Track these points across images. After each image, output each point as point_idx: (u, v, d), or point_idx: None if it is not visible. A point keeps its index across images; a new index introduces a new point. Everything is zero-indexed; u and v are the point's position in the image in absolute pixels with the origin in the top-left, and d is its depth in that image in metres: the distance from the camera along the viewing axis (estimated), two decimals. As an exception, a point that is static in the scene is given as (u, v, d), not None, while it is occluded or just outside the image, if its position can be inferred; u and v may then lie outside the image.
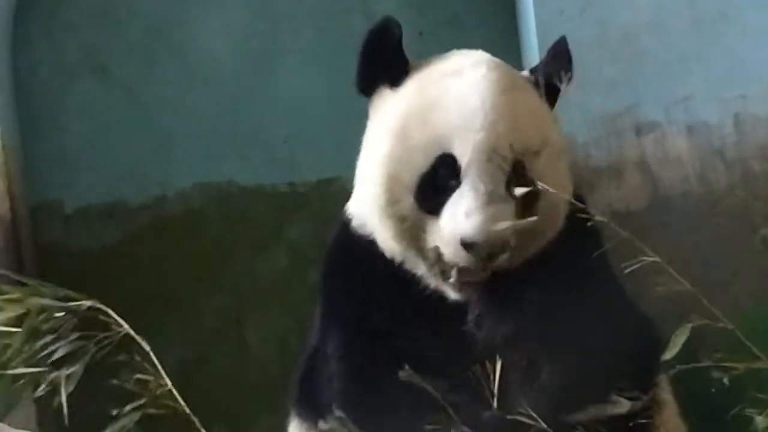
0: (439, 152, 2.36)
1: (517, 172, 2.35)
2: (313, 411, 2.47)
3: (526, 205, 2.34)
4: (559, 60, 2.47)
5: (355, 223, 2.51)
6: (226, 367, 3.44)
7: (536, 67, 2.52)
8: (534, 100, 2.44)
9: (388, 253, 2.44)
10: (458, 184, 2.33)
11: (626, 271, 2.30)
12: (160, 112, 3.48)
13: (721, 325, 2.23)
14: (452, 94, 2.39)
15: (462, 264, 2.31)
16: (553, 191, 2.33)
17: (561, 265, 2.38)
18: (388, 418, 2.33)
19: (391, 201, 2.41)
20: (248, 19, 3.47)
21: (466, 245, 2.28)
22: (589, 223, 2.40)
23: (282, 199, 3.46)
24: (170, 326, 3.39)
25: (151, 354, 2.28)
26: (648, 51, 3.02)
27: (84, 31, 3.47)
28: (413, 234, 2.39)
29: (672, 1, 3.02)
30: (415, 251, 2.41)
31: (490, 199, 2.30)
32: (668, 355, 2.17)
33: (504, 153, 2.33)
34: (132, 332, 2.28)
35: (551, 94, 2.48)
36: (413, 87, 2.45)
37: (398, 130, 2.41)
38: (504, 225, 2.27)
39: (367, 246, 2.47)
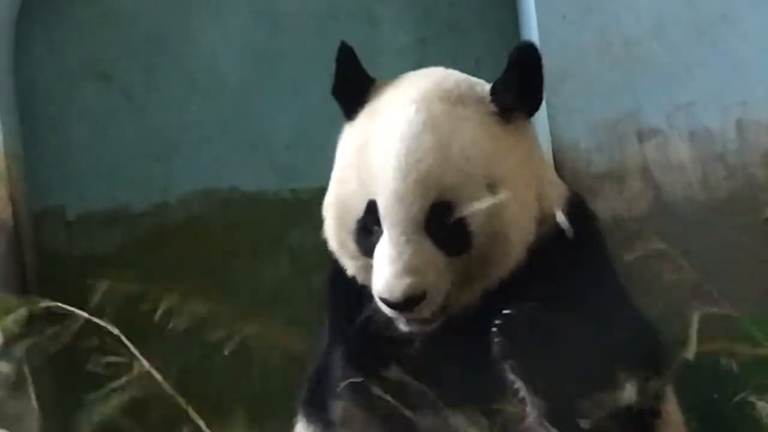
0: (367, 198, 2.35)
1: (439, 213, 2.30)
2: (321, 412, 2.47)
3: (458, 247, 2.32)
4: (513, 70, 2.37)
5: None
6: (229, 374, 3.43)
7: (496, 80, 2.41)
8: (473, 130, 2.35)
9: None
10: (381, 231, 2.33)
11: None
12: (162, 119, 3.48)
13: (728, 311, 2.22)
14: (378, 136, 2.36)
15: (390, 315, 2.29)
16: (473, 230, 2.29)
17: (555, 272, 2.37)
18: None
19: (341, 243, 2.43)
20: (250, 25, 3.47)
21: (382, 300, 2.27)
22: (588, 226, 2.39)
23: (284, 205, 3.45)
24: (172, 333, 3.39)
25: (122, 337, 2.27)
26: (650, 57, 3.02)
27: (86, 38, 3.47)
28: (367, 272, 2.38)
29: (674, 7, 3.02)
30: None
31: (402, 251, 2.27)
32: (689, 354, 2.15)
33: (417, 200, 2.28)
34: (95, 319, 2.27)
35: (516, 107, 2.39)
36: (359, 123, 2.44)
37: (340, 173, 2.44)
38: (411, 279, 2.24)
39: None
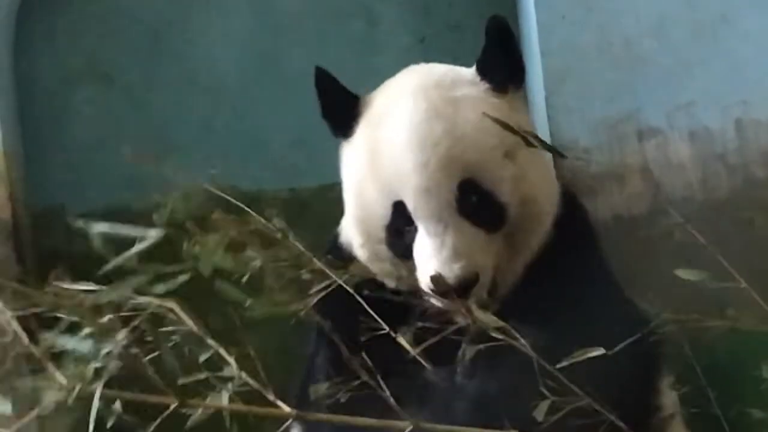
0: (392, 201, 2.35)
1: (468, 192, 2.31)
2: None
3: (495, 220, 2.32)
4: (492, 45, 2.43)
5: (343, 240, 2.54)
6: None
7: (479, 59, 2.46)
8: (474, 106, 2.38)
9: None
10: (415, 228, 2.33)
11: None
12: (162, 118, 3.48)
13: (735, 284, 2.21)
14: (385, 139, 2.37)
15: (443, 307, 2.26)
16: (504, 200, 2.29)
17: (553, 267, 2.37)
18: None
19: (374, 256, 2.44)
20: (250, 25, 3.47)
21: (435, 293, 2.27)
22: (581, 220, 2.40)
23: (283, 204, 3.45)
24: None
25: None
26: (650, 57, 3.02)
27: (86, 37, 3.47)
28: (411, 276, 2.38)
29: (674, 7, 3.02)
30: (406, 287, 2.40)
31: (444, 239, 2.28)
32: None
33: (444, 184, 2.30)
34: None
35: (505, 80, 2.43)
36: (359, 137, 2.44)
37: (355, 188, 2.44)
38: (460, 263, 2.24)
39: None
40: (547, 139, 2.98)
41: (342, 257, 2.49)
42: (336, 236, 2.57)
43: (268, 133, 3.47)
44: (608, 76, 3.02)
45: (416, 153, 2.32)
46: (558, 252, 2.38)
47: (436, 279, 2.25)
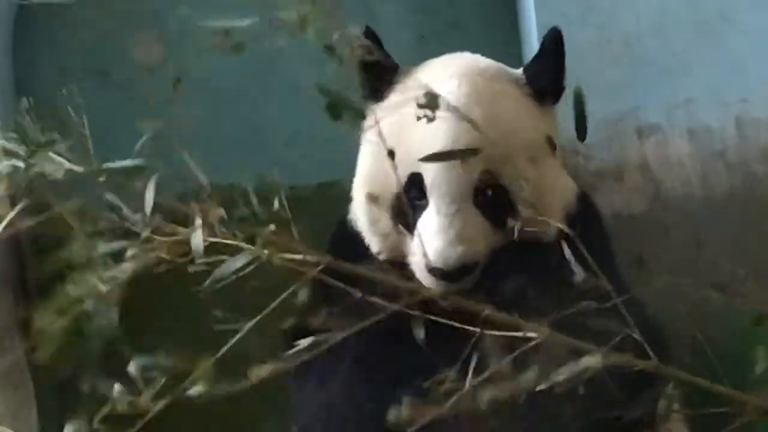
0: (410, 171, 2.35)
1: (486, 183, 2.32)
2: None
3: (504, 218, 2.32)
4: (547, 55, 2.47)
5: (351, 217, 2.55)
6: (226, 371, 3.43)
7: (528, 64, 2.51)
8: (514, 105, 2.42)
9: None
10: (427, 203, 2.33)
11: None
12: (160, 116, 3.47)
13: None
14: (420, 111, 2.38)
15: (432, 287, 2.27)
16: (517, 201, 2.30)
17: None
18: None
19: (373, 220, 2.45)
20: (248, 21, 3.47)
21: (432, 270, 2.28)
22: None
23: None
24: (171, 330, 3.39)
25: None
26: (649, 54, 3.02)
27: (85, 35, 3.47)
28: (398, 249, 2.38)
29: (673, 5, 3.02)
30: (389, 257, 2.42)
31: (453, 220, 2.30)
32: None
33: (468, 169, 2.31)
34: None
35: (549, 92, 2.46)
36: (392, 102, 2.44)
37: (376, 149, 2.42)
38: (464, 247, 2.25)
39: (362, 241, 2.49)
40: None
41: (349, 236, 2.50)
42: (344, 217, 2.57)
43: (267, 130, 3.46)
44: (608, 74, 3.02)
45: (451, 131, 2.32)
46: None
47: (437, 258, 2.24)
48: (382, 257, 2.43)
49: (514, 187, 2.35)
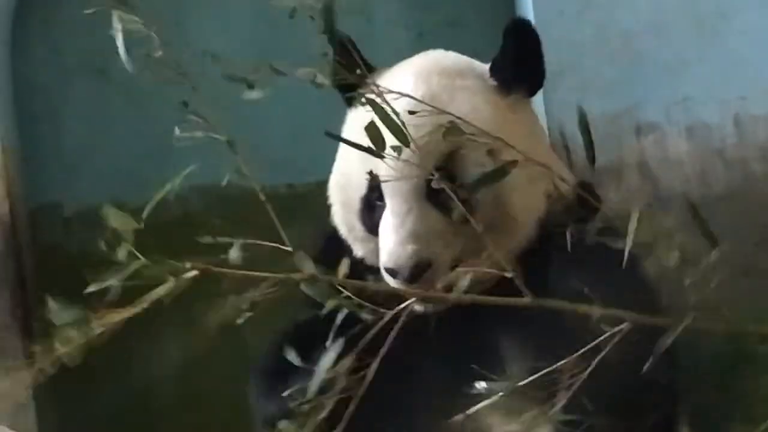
0: (369, 172, 2.35)
1: (440, 179, 2.30)
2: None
3: (460, 212, 2.30)
4: (507, 47, 2.42)
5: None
6: (226, 370, 3.43)
7: (496, 57, 2.45)
8: (472, 99, 2.37)
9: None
10: (385, 205, 2.33)
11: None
12: (159, 114, 3.47)
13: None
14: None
15: (396, 287, 2.24)
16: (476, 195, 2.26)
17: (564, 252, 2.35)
18: None
19: (349, 226, 2.45)
20: (248, 21, 3.47)
21: (386, 270, 2.27)
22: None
23: (281, 200, 3.45)
24: (170, 328, 3.39)
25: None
26: (648, 52, 3.02)
27: (83, 34, 3.47)
28: (368, 248, 2.40)
29: (672, 3, 3.02)
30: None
31: (404, 220, 2.28)
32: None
33: (416, 168, 2.27)
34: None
35: (513, 83, 2.42)
36: (360, 107, 2.44)
37: (343, 154, 2.46)
38: (416, 246, 2.23)
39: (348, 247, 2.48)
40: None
41: (332, 237, 2.50)
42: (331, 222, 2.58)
43: (266, 128, 3.46)
44: (606, 72, 3.02)
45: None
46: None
47: (388, 259, 2.25)
48: (368, 262, 2.43)
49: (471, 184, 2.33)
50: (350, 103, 2.49)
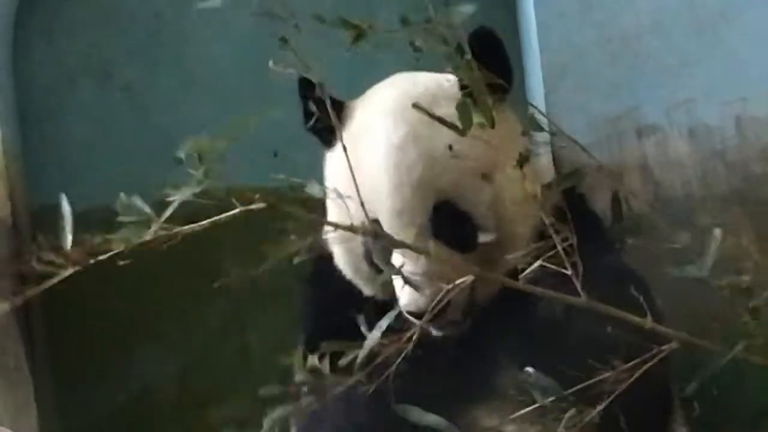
0: (371, 218, 2.35)
1: (443, 215, 2.31)
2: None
3: (469, 242, 2.31)
4: (483, 58, 2.30)
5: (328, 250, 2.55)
6: (229, 372, 3.43)
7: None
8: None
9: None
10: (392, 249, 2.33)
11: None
12: (161, 116, 3.48)
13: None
14: (364, 158, 2.37)
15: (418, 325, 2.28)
16: (480, 222, 2.29)
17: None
18: None
19: (355, 269, 2.47)
20: (248, 23, 3.47)
21: (409, 314, 2.26)
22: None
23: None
24: (172, 330, 3.39)
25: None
26: (649, 54, 3.02)
27: (85, 35, 3.47)
28: (389, 288, 2.39)
29: (673, 4, 3.02)
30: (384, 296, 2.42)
31: (416, 263, 2.26)
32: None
33: (417, 208, 2.30)
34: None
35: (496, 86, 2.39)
36: (341, 149, 2.43)
37: (337, 202, 2.43)
38: (432, 289, 2.20)
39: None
40: (546, 136, 2.98)
41: (327, 270, 2.51)
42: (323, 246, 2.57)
43: (267, 129, 3.46)
44: (607, 73, 3.02)
45: (391, 176, 2.33)
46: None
47: (409, 304, 2.25)
48: (378, 298, 2.44)
49: (473, 211, 2.33)
50: (328, 144, 2.48)
